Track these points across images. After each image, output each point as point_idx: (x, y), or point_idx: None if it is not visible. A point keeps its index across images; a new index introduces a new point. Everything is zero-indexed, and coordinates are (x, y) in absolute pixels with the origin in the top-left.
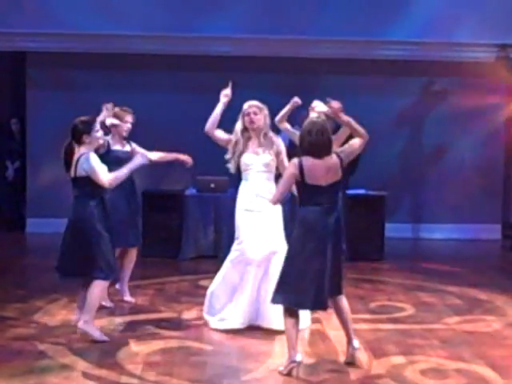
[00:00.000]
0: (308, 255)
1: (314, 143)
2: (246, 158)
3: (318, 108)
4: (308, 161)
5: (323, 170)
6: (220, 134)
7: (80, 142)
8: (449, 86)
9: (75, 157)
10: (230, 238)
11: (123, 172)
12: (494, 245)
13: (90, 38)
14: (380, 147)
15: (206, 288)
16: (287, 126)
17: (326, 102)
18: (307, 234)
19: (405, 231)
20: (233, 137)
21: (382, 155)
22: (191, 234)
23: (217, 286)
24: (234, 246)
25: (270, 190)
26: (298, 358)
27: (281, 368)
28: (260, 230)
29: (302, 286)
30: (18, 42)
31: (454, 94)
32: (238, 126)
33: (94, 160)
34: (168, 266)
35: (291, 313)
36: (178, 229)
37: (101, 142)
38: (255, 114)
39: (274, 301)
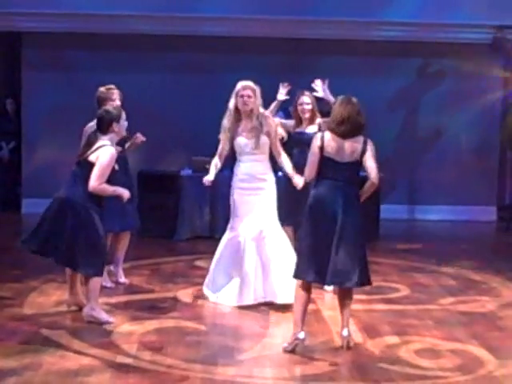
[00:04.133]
0: (316, 229)
1: (354, 128)
2: (240, 141)
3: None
4: (330, 135)
5: (342, 146)
6: (225, 148)
7: (107, 132)
8: (445, 68)
9: (97, 144)
10: (226, 218)
11: (110, 189)
12: (489, 226)
13: (86, 18)
14: (375, 128)
15: (201, 268)
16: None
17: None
18: (316, 208)
19: (400, 212)
20: (226, 116)
21: (378, 137)
22: (187, 215)
23: (216, 264)
24: (229, 225)
25: (264, 170)
26: (301, 335)
27: (285, 344)
28: (253, 209)
29: (312, 260)
30: (14, 21)
31: (450, 76)
32: (231, 104)
33: (111, 159)
34: (163, 247)
35: (303, 288)
36: (174, 209)
37: (124, 132)
38: (249, 96)
39: (293, 275)
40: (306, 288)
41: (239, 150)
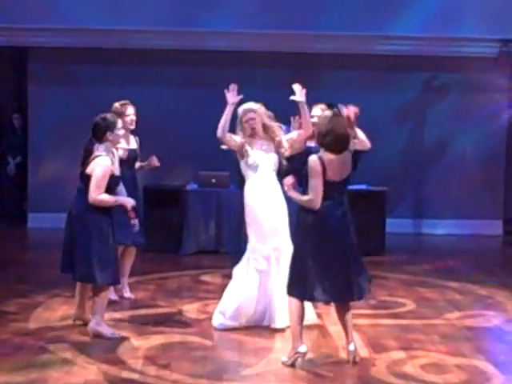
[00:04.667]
0: (322, 248)
1: (338, 140)
2: (255, 157)
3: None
4: (327, 156)
5: (339, 165)
6: (232, 139)
7: (102, 140)
8: (451, 81)
9: (94, 154)
10: (231, 233)
11: (111, 200)
12: (495, 240)
13: (91, 32)
14: (381, 142)
15: (206, 283)
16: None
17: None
18: (319, 227)
19: (406, 226)
20: (240, 140)
21: (384, 150)
22: (192, 229)
23: (242, 295)
24: (252, 245)
25: (277, 186)
26: (303, 349)
27: (284, 358)
28: (274, 226)
29: (314, 279)
30: (20, 37)
31: (455, 89)
32: (240, 132)
33: (104, 170)
34: (169, 261)
35: (299, 305)
36: (179, 224)
37: (120, 140)
38: (253, 119)
39: (289, 293)
40: (301, 304)
41: (255, 164)
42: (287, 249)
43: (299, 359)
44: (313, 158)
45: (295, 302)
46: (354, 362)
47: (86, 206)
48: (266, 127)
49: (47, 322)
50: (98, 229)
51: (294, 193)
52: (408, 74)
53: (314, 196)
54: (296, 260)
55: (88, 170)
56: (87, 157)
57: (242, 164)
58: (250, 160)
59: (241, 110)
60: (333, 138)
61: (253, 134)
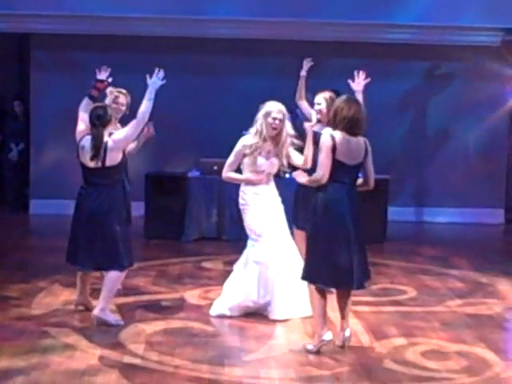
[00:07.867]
0: (330, 234)
1: (354, 118)
2: (260, 162)
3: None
4: (338, 136)
5: (350, 148)
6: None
7: (108, 125)
8: (453, 70)
9: (103, 145)
10: (233, 220)
11: (145, 106)
12: (496, 229)
13: (94, 19)
14: (383, 131)
15: (208, 269)
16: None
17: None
18: (328, 209)
19: (408, 215)
20: (255, 136)
21: (386, 139)
22: (194, 216)
23: (243, 287)
24: (256, 244)
25: (274, 188)
26: (328, 336)
27: (310, 346)
28: (275, 224)
29: (329, 265)
30: (23, 23)
31: (457, 78)
32: (262, 126)
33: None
34: (171, 248)
35: (319, 292)
36: (181, 211)
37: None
38: (280, 120)
39: (306, 278)
40: (321, 289)
41: (257, 169)
42: (286, 242)
43: (324, 347)
44: (325, 136)
45: (312, 287)
46: (343, 347)
47: (109, 201)
48: (280, 137)
49: (49, 307)
50: (120, 219)
51: (302, 177)
52: (410, 63)
53: (321, 170)
54: (309, 245)
55: (110, 163)
56: (99, 147)
57: (245, 162)
58: (257, 166)
59: (273, 105)
60: (347, 118)
61: (271, 135)
